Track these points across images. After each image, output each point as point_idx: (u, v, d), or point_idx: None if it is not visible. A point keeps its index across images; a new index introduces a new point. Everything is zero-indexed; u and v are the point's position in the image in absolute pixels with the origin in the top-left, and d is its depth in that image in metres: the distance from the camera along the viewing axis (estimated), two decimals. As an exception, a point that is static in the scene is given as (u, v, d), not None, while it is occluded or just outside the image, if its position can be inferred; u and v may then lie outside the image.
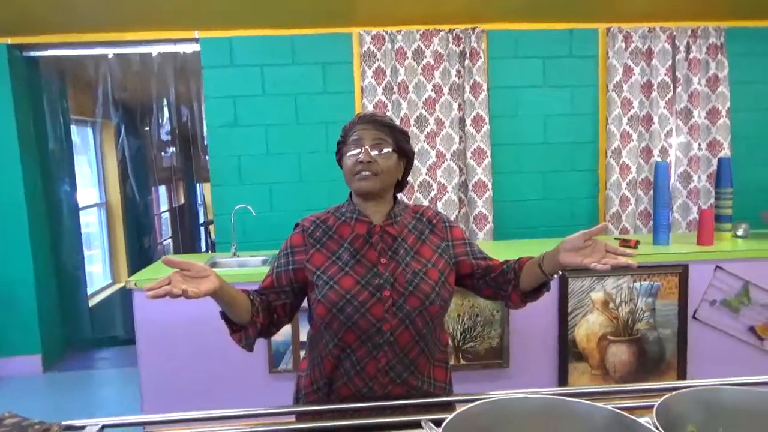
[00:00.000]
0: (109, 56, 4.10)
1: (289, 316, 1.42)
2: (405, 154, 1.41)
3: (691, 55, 3.79)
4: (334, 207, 1.46)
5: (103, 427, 1.22)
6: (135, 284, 2.71)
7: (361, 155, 1.32)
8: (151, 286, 1.06)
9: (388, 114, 3.62)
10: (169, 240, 6.49)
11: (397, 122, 3.60)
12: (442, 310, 1.35)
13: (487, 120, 3.71)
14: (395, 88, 3.69)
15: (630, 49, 3.79)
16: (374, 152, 1.33)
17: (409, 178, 3.67)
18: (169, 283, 1.08)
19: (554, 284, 2.87)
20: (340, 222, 1.40)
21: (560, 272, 1.32)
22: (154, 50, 3.96)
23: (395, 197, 1.45)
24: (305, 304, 1.43)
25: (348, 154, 1.35)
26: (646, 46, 3.80)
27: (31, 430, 1.16)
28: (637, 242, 3.07)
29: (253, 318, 1.30)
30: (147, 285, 1.06)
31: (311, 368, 1.41)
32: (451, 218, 3.54)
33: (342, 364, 1.34)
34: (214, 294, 1.15)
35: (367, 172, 1.33)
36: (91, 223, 5.52)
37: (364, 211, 1.39)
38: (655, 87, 3.80)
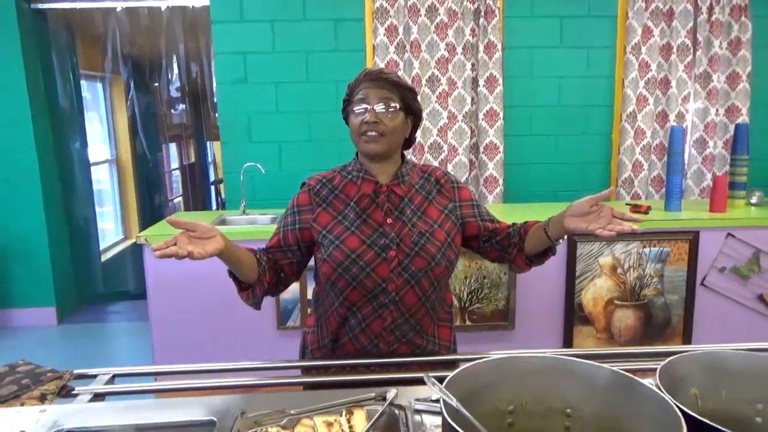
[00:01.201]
0: (118, 10, 4.04)
1: (296, 275, 1.43)
2: (412, 112, 1.39)
3: (713, 17, 3.67)
4: (341, 166, 1.45)
5: (114, 376, 1.25)
6: (145, 240, 2.74)
7: (367, 115, 1.30)
8: (158, 246, 1.07)
9: (400, 73, 3.57)
10: (180, 198, 6.52)
11: (409, 82, 3.54)
12: (448, 271, 1.35)
13: (500, 81, 3.65)
14: (407, 47, 3.62)
15: (650, 10, 3.67)
16: (380, 110, 1.31)
17: (420, 139, 3.66)
18: (175, 244, 1.08)
19: (562, 248, 2.87)
20: (347, 181, 1.39)
21: (566, 237, 1.31)
22: (163, 4, 3.89)
23: (403, 156, 1.43)
24: (312, 262, 1.44)
25: (354, 114, 1.33)
26: (667, 7, 3.68)
27: (43, 377, 1.20)
28: (648, 208, 3.04)
29: (260, 277, 1.31)
30: (154, 245, 1.07)
31: (317, 325, 1.43)
32: (461, 180, 3.52)
33: (347, 322, 1.35)
34: (220, 254, 1.16)
35: (373, 133, 1.31)
36: (102, 180, 5.55)
37: (371, 171, 1.38)
38: (675, 49, 3.70)
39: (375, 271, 1.29)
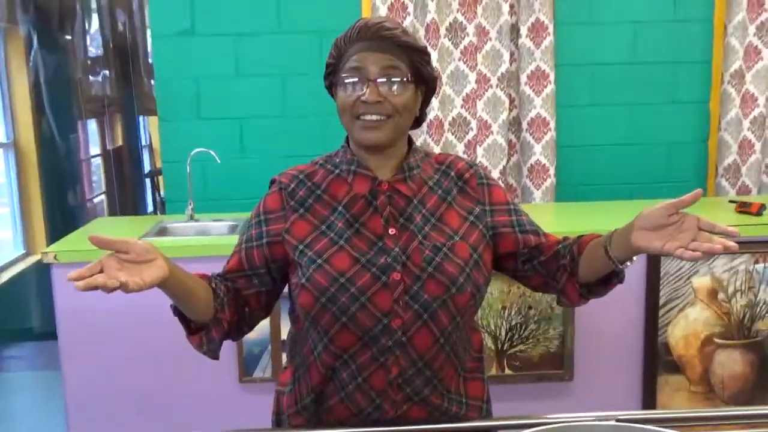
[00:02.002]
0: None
1: (266, 309, 1.44)
2: (424, 80, 1.40)
3: None
4: (324, 156, 1.46)
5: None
6: (55, 258, 2.74)
7: (365, 94, 1.31)
8: (78, 274, 1.06)
9: (408, 22, 3.58)
10: (102, 196, 6.54)
11: (421, 39, 3.54)
12: (475, 300, 1.36)
13: (550, 29, 3.65)
14: (420, -17, 3.63)
15: (762, -74, 3.67)
16: (382, 82, 1.32)
17: (437, 112, 3.66)
18: (101, 271, 1.09)
19: (640, 266, 2.87)
20: (333, 177, 1.40)
21: (634, 258, 1.29)
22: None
23: (410, 141, 1.44)
24: (287, 290, 1.45)
25: (344, 87, 1.34)
26: None
27: None
28: (762, 206, 3.04)
29: (217, 314, 1.32)
30: (71, 273, 1.06)
31: (294, 381, 1.44)
32: (494, 173, 3.47)
33: (337, 375, 1.36)
34: (163, 284, 1.17)
35: (375, 117, 1.32)
36: (-6, 172, 5.58)
37: (366, 163, 1.39)
38: (798, -19, 3.69)
39: (373, 302, 1.29)
